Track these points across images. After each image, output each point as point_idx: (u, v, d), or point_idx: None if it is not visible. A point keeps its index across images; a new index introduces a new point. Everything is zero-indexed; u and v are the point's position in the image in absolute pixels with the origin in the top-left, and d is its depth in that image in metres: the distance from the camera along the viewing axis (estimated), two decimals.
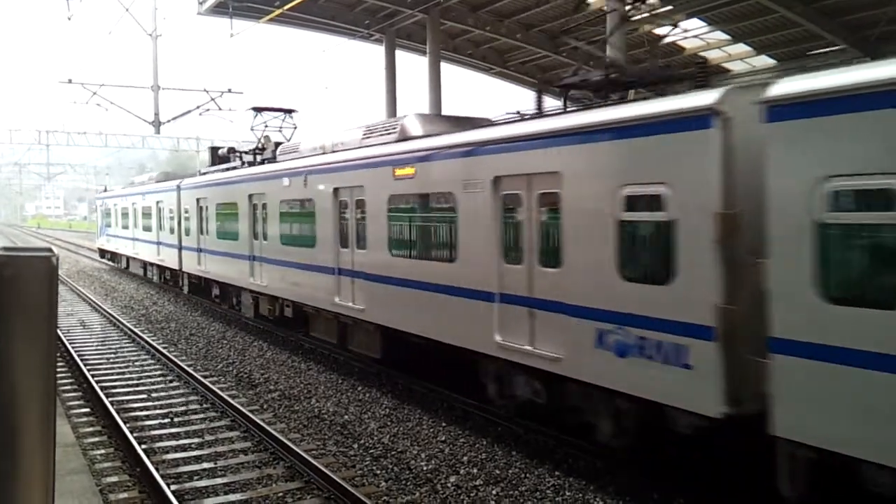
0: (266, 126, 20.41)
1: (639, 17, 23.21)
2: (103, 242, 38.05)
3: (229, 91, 32.25)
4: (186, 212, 22.66)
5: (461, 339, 10.05)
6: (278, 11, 25.57)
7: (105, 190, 43.01)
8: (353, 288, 12.80)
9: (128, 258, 32.55)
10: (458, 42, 30.16)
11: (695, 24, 24.54)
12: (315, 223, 14.18)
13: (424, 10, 26.11)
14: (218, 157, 22.69)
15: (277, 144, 18.44)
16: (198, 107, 32.40)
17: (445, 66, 29.18)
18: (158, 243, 26.10)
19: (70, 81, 30.55)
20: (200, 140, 59.99)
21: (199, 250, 21.43)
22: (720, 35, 25.23)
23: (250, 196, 17.30)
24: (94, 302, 23.60)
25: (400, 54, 30.17)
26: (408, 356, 12.23)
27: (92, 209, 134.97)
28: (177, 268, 24.16)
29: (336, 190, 13.35)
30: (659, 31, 25.44)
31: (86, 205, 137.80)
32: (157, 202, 26.15)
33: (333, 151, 13.96)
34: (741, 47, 25.92)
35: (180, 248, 23.39)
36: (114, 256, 36.34)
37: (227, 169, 20.55)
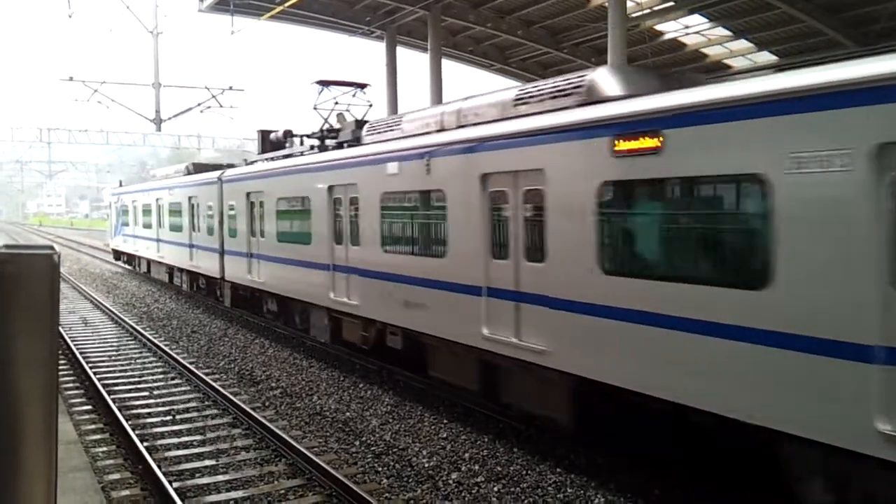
0: (336, 103, 17.48)
1: (640, 13, 23.21)
2: (119, 243, 33.74)
3: (230, 88, 32.28)
4: (232, 209, 18.89)
5: (782, 417, 6.01)
6: (279, 8, 25.59)
7: (121, 185, 36.81)
8: (518, 316, 8.94)
9: (149, 262, 28.77)
10: (458, 39, 30.14)
11: (696, 21, 24.51)
12: (445, 223, 10.19)
13: (425, 6, 26.09)
14: (270, 142, 18.75)
15: (361, 123, 14.79)
16: (199, 104, 32.41)
17: (446, 63, 29.17)
18: (192, 246, 22.21)
19: (71, 79, 30.57)
20: (202, 137, 60.00)
21: (251, 256, 17.65)
22: (722, 31, 25.19)
23: (330, 188, 13.48)
24: (96, 299, 23.63)
25: (401, 51, 30.17)
26: (621, 424, 8.28)
27: (93, 207, 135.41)
28: (217, 276, 20.11)
29: (484, 177, 9.38)
30: (660, 27, 25.40)
31: (87, 202, 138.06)
32: (190, 198, 22.33)
33: (462, 126, 10.20)
34: (742, 43, 25.89)
35: (223, 253, 19.60)
36: (130, 259, 32.35)
37: (287, 156, 16.85)
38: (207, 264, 20.88)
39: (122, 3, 28.00)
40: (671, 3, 23.46)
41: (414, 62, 32.63)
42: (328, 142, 15.66)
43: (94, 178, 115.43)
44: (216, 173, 20.37)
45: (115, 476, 8.60)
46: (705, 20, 24.37)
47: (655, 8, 23.71)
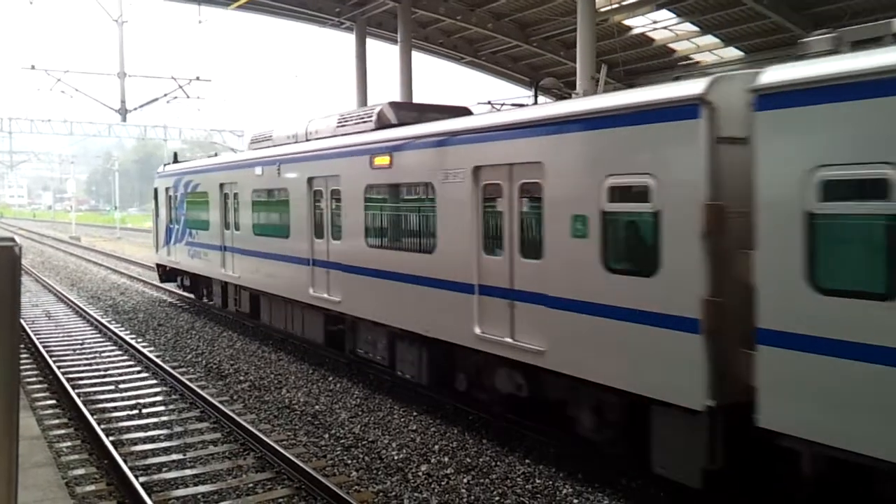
0: None
1: (609, 7, 23.38)
2: (178, 258, 20.56)
3: (197, 79, 31.82)
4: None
5: None
6: None
7: (176, 159, 22.88)
8: None
9: (256, 297, 16.09)
10: (429, 31, 30.04)
11: (664, 16, 24.70)
12: None
13: None
14: None
15: None
16: (165, 94, 31.93)
17: (417, 55, 29.08)
18: (524, 296, 8.59)
19: (33, 67, 29.92)
20: (168, 128, 59.10)
21: None
22: (689, 27, 25.42)
23: None
24: (60, 293, 23.22)
25: (371, 42, 30.00)
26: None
27: (57, 198, 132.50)
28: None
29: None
30: (629, 21, 25.56)
31: (50, 194, 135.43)
32: (515, 166, 8.70)
33: None
34: (709, 39, 26.14)
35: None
36: (196, 284, 20.19)
37: None
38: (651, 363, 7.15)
39: None
40: None
41: (384, 54, 32.50)
42: None
43: (57, 168, 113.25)
44: (682, 88, 6.90)
45: (80, 471, 8.48)
46: (673, 15, 24.56)
47: (624, 3, 23.84)
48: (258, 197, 15.60)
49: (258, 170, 15.49)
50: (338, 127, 13.22)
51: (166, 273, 22.29)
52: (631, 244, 7.47)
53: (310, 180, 13.30)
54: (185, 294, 21.56)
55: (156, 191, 22.85)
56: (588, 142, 7.68)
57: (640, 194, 7.04)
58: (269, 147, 15.64)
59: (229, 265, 17.12)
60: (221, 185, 17.41)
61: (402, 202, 11.19)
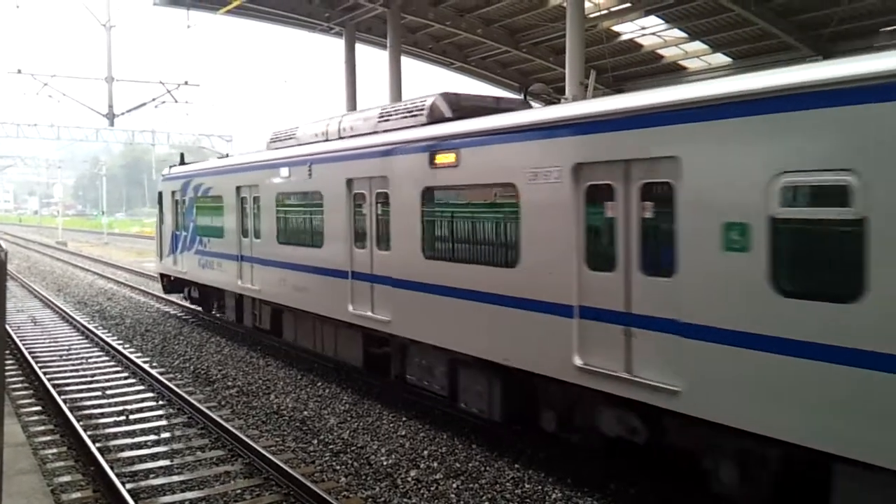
0: None
1: (598, 14, 23.50)
2: (188, 268, 18.61)
3: (186, 83, 31.73)
4: None
5: None
6: (236, 2, 25.28)
7: (183, 160, 20.95)
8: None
9: (279, 311, 14.58)
10: (418, 36, 30.08)
11: (653, 22, 24.84)
12: None
13: (385, 3, 25.99)
14: None
15: None
16: (153, 99, 31.82)
17: (406, 61, 29.11)
18: None
19: (19, 72, 29.77)
20: (156, 133, 58.82)
21: None
22: (678, 33, 25.56)
23: None
24: (46, 298, 23.05)
25: (360, 48, 30.01)
26: None
27: (43, 203, 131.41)
28: None
29: None
30: (618, 27, 25.69)
31: (37, 199, 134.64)
32: None
33: None
34: (698, 45, 26.31)
35: None
36: (206, 296, 18.50)
37: None
38: None
39: None
40: (628, 5, 23.73)
41: (374, 59, 32.51)
42: None
43: (44, 173, 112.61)
44: None
45: (66, 478, 8.40)
46: (661, 22, 24.69)
47: (613, 9, 23.95)
48: (284, 201, 13.89)
49: (284, 171, 13.79)
50: (379, 122, 11.68)
51: (171, 283, 20.43)
52: (817, 260, 5.81)
53: (349, 182, 11.74)
54: (193, 307, 19.88)
55: (160, 194, 21.01)
56: (751, 131, 6.04)
57: (834, 196, 5.50)
58: (294, 146, 13.91)
59: (247, 277, 15.29)
60: (238, 189, 15.65)
61: (473, 207, 9.43)
